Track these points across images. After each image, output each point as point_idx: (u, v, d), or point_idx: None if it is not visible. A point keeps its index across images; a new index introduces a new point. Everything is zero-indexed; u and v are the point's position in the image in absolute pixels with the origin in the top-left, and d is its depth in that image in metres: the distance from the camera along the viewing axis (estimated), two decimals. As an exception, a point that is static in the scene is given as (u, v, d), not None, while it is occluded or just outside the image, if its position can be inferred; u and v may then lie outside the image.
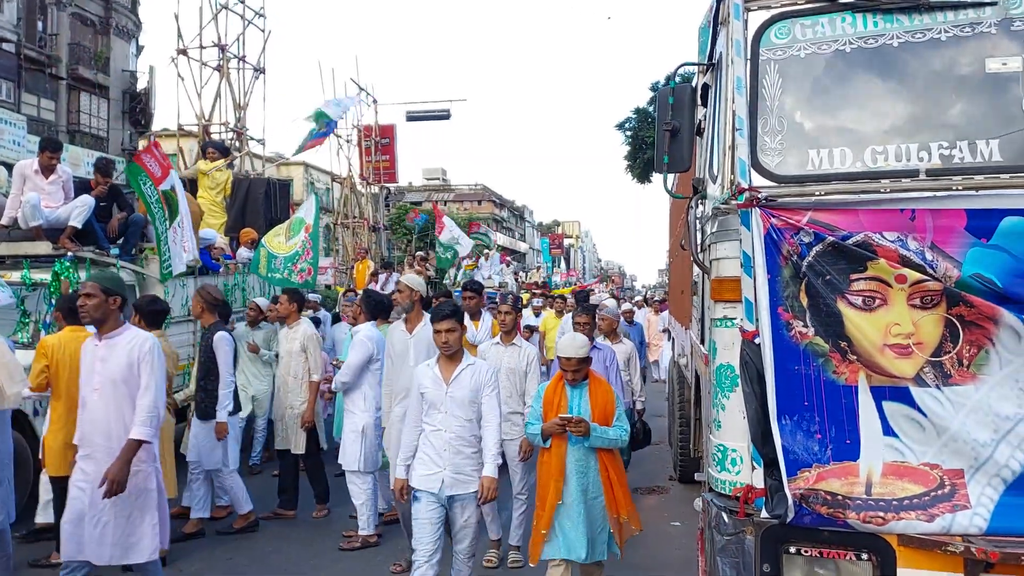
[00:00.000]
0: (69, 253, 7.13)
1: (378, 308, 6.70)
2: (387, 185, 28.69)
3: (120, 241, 8.06)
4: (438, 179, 72.24)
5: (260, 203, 11.23)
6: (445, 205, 61.70)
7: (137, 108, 29.33)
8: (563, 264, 69.81)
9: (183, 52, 16.22)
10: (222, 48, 16.80)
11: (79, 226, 7.38)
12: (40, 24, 25.56)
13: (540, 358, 6.39)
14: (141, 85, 29.90)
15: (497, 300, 10.16)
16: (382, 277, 14.78)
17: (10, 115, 21.47)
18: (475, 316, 7.57)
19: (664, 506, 7.58)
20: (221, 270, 9.69)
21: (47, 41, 25.72)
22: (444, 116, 30.21)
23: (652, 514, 7.02)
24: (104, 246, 7.72)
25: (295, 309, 7.20)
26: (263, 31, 18.25)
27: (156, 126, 28.69)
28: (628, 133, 31.37)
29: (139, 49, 30.78)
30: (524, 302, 14.29)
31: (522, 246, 70.45)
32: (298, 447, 6.90)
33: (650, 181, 31.10)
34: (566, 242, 78.52)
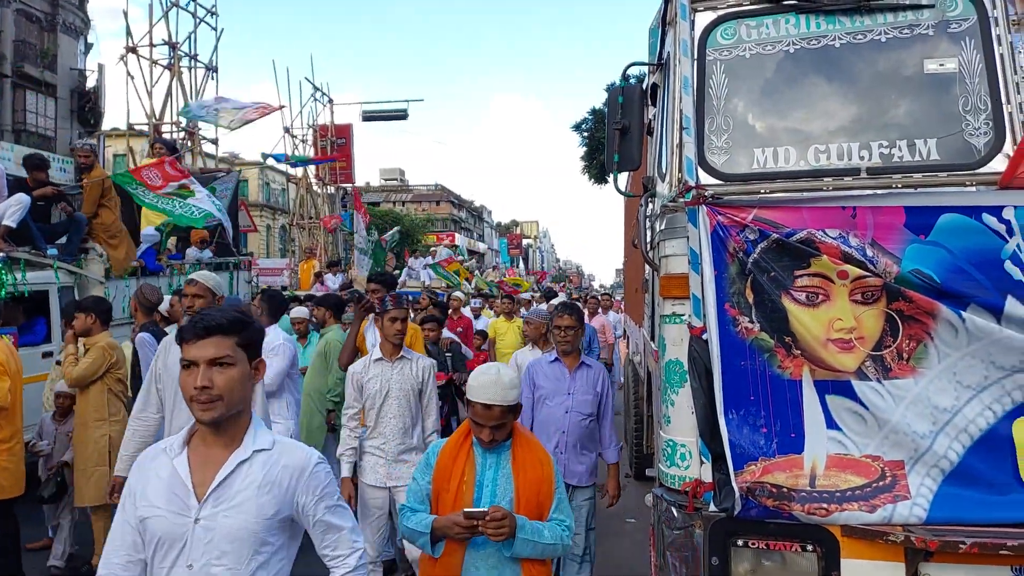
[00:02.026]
0: (2, 253, 6.91)
1: (280, 309, 6.08)
2: (344, 185, 28.48)
3: (61, 241, 7.86)
4: (396, 179, 71.85)
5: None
6: (403, 206, 61.45)
7: (86, 107, 28.59)
8: (522, 264, 69.93)
9: (132, 50, 15.96)
10: (173, 46, 16.56)
11: (14, 225, 7.14)
12: (-19, 20, 24.81)
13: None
14: (90, 83, 29.19)
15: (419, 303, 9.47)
16: (328, 277, 14.59)
17: (-49, 113, 20.80)
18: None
19: (620, 502, 7.60)
20: (165, 270, 9.48)
21: (-10, 38, 24.97)
22: (401, 116, 30.13)
23: (606, 511, 7.04)
24: (41, 246, 7.51)
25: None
26: (215, 29, 18.05)
27: (106, 125, 28.07)
28: (585, 134, 31.52)
29: (88, 47, 30.02)
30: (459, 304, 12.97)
31: (481, 246, 70.36)
32: None
33: (607, 182, 31.21)
34: (525, 242, 78.70)
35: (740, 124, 3.43)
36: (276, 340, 5.46)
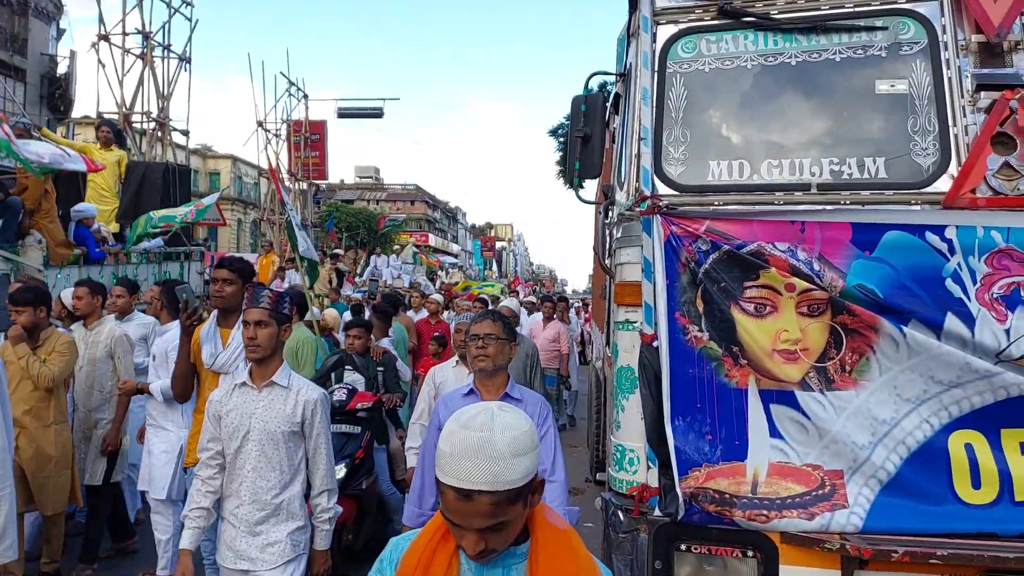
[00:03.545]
0: None
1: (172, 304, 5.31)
2: (316, 182, 28.34)
3: None
4: (371, 178, 71.56)
5: (157, 189, 10.59)
6: (378, 204, 61.19)
7: (56, 93, 28.14)
8: (495, 267, 69.96)
9: (104, 38, 15.78)
10: (146, 36, 16.39)
11: None
12: (-50, 2, 24.40)
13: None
14: (61, 70, 28.75)
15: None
16: (290, 273, 14.30)
17: (-84, 96, 20.40)
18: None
19: (579, 507, 7.67)
20: (107, 259, 9.15)
21: (-42, 20, 24.55)
22: (377, 114, 30.06)
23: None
24: None
25: (99, 304, 5.73)
26: (190, 20, 17.87)
27: (76, 113, 27.67)
28: (561, 139, 31.68)
29: (59, 33, 29.58)
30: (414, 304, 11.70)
31: (454, 248, 70.26)
32: (95, 477, 5.54)
33: (583, 187, 31.43)
34: (498, 245, 78.71)
35: (697, 136, 3.49)
36: (175, 340, 4.57)
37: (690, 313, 3.18)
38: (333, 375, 5.92)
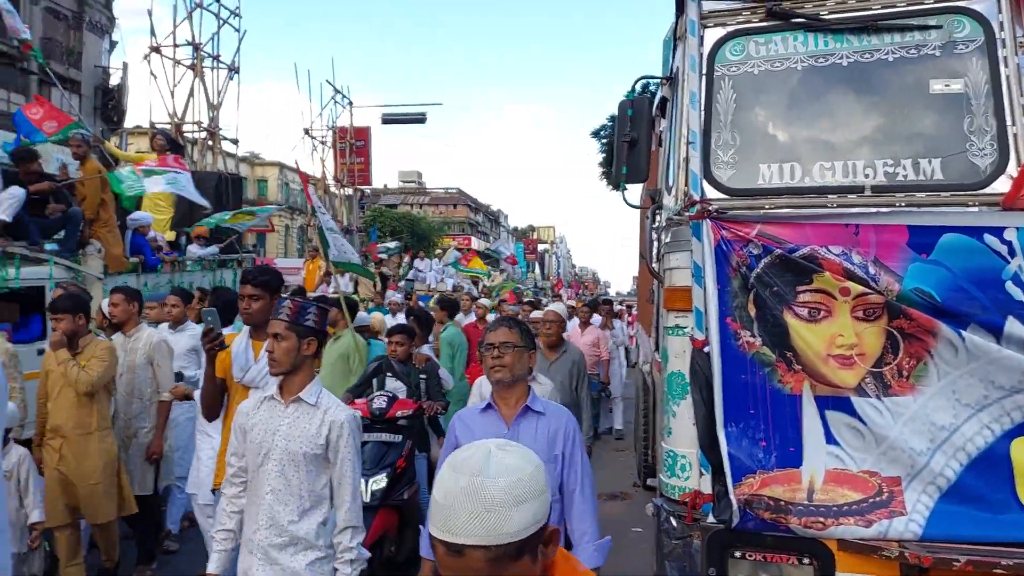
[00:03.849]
0: None
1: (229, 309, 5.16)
2: (361, 187, 28.67)
3: (59, 236, 7.68)
4: (414, 182, 72.14)
5: (211, 197, 10.75)
6: (421, 208, 61.67)
7: (109, 105, 28.96)
8: (537, 269, 69.95)
9: (156, 50, 16.19)
10: (196, 47, 16.77)
11: (8, 219, 7.02)
12: (12, 18, 25.33)
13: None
14: (113, 81, 29.57)
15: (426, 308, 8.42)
16: (336, 277, 14.49)
17: (-22, 109, 21.18)
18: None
19: (627, 512, 7.66)
20: (163, 266, 9.27)
21: (18, 35, 25.46)
22: (420, 119, 30.29)
23: (614, 520, 7.10)
24: (36, 240, 7.31)
25: (135, 311, 5.66)
26: (238, 31, 18.28)
27: (129, 123, 28.41)
28: (604, 140, 31.58)
29: (112, 45, 30.42)
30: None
31: (503, 251, 70.39)
32: (146, 487, 5.53)
33: (626, 189, 31.21)
34: (540, 247, 78.67)
35: (747, 139, 3.47)
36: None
37: (742, 318, 3.15)
38: (375, 381, 5.88)
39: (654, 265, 3.93)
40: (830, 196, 3.30)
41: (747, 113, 3.49)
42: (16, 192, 7.13)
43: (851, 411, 3.02)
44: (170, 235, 10.33)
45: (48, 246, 7.43)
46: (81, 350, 4.85)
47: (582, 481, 3.00)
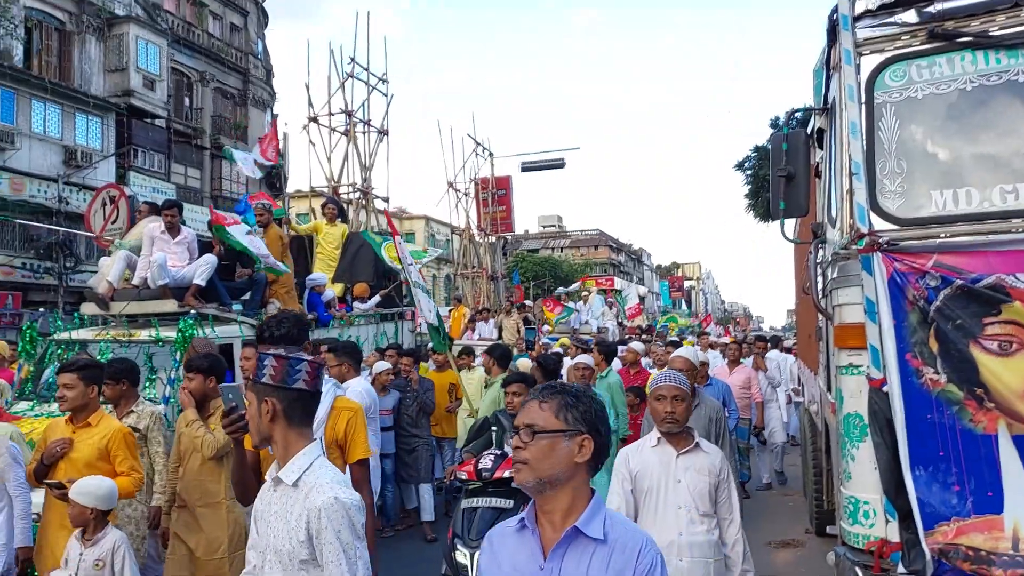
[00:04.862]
0: (193, 311, 7.30)
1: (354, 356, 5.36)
2: (504, 235, 29.27)
3: (244, 298, 8.35)
4: (554, 226, 72.94)
5: (371, 256, 11.35)
6: (562, 251, 62.13)
7: (272, 172, 31.23)
8: (684, 306, 68.63)
9: (314, 120, 17.28)
10: (349, 114, 17.80)
11: (203, 284, 7.62)
12: (187, 100, 28.02)
13: None
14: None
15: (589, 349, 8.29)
16: (480, 324, 14.81)
17: (161, 184, 23.66)
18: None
19: (800, 561, 7.27)
20: (333, 321, 9.75)
21: (193, 115, 28.09)
22: (559, 165, 30.71)
23: (787, 569, 6.77)
24: (226, 302, 7.95)
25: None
26: (385, 95, 19.22)
27: (290, 188, 30.46)
28: (748, 172, 30.76)
29: (274, 118, 32.95)
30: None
31: (641, 290, 69.82)
32: None
33: (773, 219, 30.13)
34: (686, 284, 77.23)
35: (915, 166, 3.31)
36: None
37: (923, 354, 2.98)
38: (494, 435, 5.33)
39: (821, 302, 3.79)
40: (1014, 220, 3.08)
41: (913, 139, 3.33)
42: (209, 259, 7.80)
43: None
44: (338, 290, 10.91)
45: (235, 307, 8.07)
46: (213, 413, 4.55)
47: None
